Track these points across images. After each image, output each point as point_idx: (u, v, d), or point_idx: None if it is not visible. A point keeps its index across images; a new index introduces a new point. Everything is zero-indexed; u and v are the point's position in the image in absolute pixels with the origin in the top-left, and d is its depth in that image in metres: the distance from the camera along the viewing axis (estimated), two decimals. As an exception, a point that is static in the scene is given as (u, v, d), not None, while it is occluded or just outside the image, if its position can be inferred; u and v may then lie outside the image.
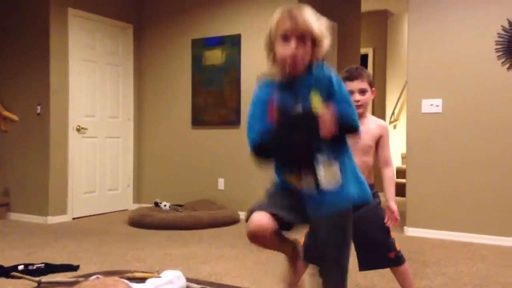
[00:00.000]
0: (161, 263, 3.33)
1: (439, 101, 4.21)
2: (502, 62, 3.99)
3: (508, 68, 3.98)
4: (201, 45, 5.46)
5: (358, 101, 2.18)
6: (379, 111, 6.91)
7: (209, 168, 5.44)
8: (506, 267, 3.27)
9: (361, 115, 2.13)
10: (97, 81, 5.48)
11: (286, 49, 1.55)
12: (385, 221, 2.21)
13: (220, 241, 4.09)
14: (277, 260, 3.27)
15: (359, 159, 2.03)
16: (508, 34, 3.97)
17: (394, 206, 2.21)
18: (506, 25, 3.98)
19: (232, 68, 5.28)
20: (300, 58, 1.56)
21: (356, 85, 2.20)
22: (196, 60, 5.50)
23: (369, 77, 2.25)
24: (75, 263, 3.22)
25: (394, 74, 7.39)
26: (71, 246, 3.85)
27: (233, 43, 5.26)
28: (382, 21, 7.30)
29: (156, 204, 5.19)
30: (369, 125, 2.23)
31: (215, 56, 5.39)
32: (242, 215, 5.01)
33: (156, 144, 5.85)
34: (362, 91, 2.21)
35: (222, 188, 5.37)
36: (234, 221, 4.88)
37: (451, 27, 4.20)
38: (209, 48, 5.41)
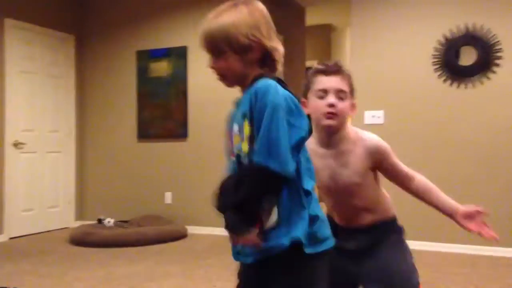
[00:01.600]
0: (103, 283, 3.19)
1: (380, 113, 4.34)
2: (438, 75, 4.17)
3: (444, 81, 4.16)
4: (146, 57, 5.36)
5: (332, 105, 1.45)
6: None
7: (155, 182, 5.32)
8: (451, 274, 3.38)
9: (335, 133, 1.49)
10: (37, 94, 5.24)
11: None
12: (483, 235, 1.48)
13: (167, 257, 3.99)
14: (225, 277, 3.23)
15: (345, 204, 1.53)
16: (444, 48, 4.16)
17: (467, 206, 1.51)
18: (443, 40, 4.17)
19: (179, 80, 5.21)
20: (226, 71, 1.29)
21: (333, 82, 1.48)
22: (142, 72, 5.39)
23: (351, 80, 1.55)
24: (11, 286, 3.03)
25: (339, 87, 7.55)
26: (7, 268, 3.63)
27: (179, 55, 5.20)
28: (326, 34, 7.49)
29: (100, 221, 5.00)
30: (352, 155, 1.51)
31: (161, 68, 5.30)
32: (190, 229, 4.93)
33: (100, 159, 5.66)
34: (340, 95, 1.48)
35: (170, 202, 5.26)
36: (182, 235, 4.78)
37: (391, 42, 4.36)
38: (155, 60, 5.32)
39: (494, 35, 3.98)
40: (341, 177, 1.49)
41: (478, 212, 1.47)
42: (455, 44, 4.11)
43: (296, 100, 1.23)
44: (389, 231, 1.59)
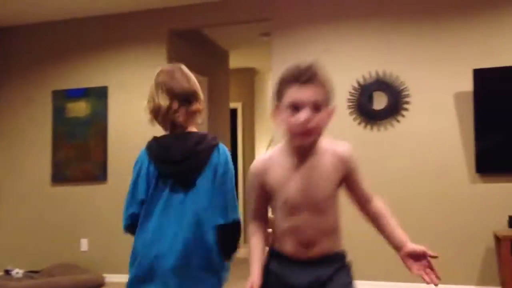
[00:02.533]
0: None
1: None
2: (353, 118, 4.39)
3: (359, 123, 4.37)
4: (63, 97, 5.16)
5: (308, 122, 1.27)
6: (249, 166, 7.09)
7: (70, 228, 5.02)
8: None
9: (310, 147, 1.35)
10: None
11: None
12: (425, 280, 1.39)
13: (81, 308, 3.73)
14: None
15: (313, 221, 1.36)
16: (358, 93, 4.40)
17: (416, 246, 1.39)
18: (356, 85, 4.41)
19: (99, 120, 5.05)
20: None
21: (307, 94, 1.28)
22: (58, 112, 5.17)
23: (328, 85, 1.36)
24: None
25: (262, 129, 7.70)
26: None
27: (99, 95, 5.07)
28: (250, 77, 7.66)
29: (7, 272, 4.61)
30: (324, 162, 1.38)
31: (79, 108, 5.12)
32: (108, 277, 4.67)
33: (8, 204, 5.26)
34: (316, 107, 1.29)
35: (86, 249, 4.97)
36: (99, 284, 4.51)
37: (309, 86, 4.53)
38: (72, 100, 5.14)
39: (402, 81, 4.28)
40: (313, 191, 1.33)
41: (425, 254, 1.35)
42: (367, 89, 4.37)
43: None
44: (342, 266, 1.45)
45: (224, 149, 1.70)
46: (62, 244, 5.01)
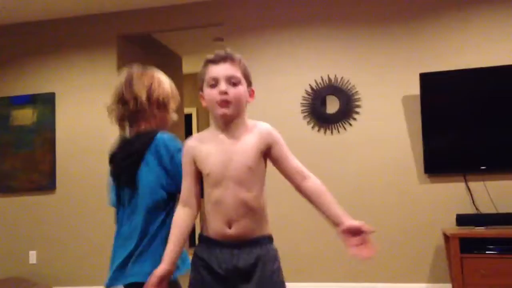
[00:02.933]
0: None
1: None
2: (307, 122, 4.44)
3: (313, 127, 4.42)
4: (7, 104, 4.94)
5: (225, 92, 1.42)
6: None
7: (18, 240, 4.80)
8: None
9: (231, 120, 1.45)
10: None
11: None
12: (355, 255, 1.37)
13: (29, 325, 3.56)
14: None
15: (232, 193, 1.41)
16: (311, 97, 4.45)
17: (354, 221, 1.42)
18: (309, 89, 4.46)
19: (46, 128, 4.86)
20: None
21: (223, 69, 1.45)
22: (2, 120, 4.94)
23: (245, 67, 1.51)
24: None
25: (217, 133, 7.65)
26: None
27: (46, 102, 4.88)
28: (204, 83, 7.61)
29: None
30: (247, 137, 1.47)
31: (24, 116, 4.91)
32: (58, 291, 4.50)
33: (-50, 217, 4.97)
34: (232, 81, 1.45)
35: (34, 262, 4.75)
36: (48, 298, 4.33)
37: (263, 90, 4.54)
38: (17, 107, 4.92)
39: (353, 86, 4.37)
40: (234, 161, 1.41)
41: (362, 229, 1.37)
42: (320, 93, 4.43)
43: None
44: (266, 252, 1.44)
45: (160, 136, 1.64)
46: (10, 257, 4.78)
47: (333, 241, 1.59)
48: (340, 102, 4.39)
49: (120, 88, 1.74)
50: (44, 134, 4.86)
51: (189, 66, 6.78)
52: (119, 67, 4.82)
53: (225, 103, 1.41)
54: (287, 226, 4.25)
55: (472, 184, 4.03)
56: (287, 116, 4.46)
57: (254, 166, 1.43)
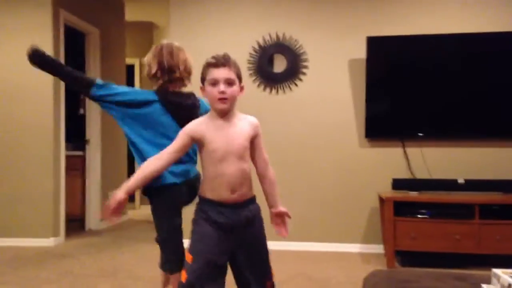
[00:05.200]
0: None
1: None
2: (253, 80, 4.35)
3: (258, 86, 4.35)
4: None
5: (223, 92, 1.80)
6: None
7: None
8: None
9: (228, 112, 1.85)
10: None
11: None
12: (277, 231, 1.93)
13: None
14: None
15: (235, 166, 1.82)
16: (258, 55, 4.34)
17: (283, 208, 1.94)
18: (256, 47, 4.35)
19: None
20: None
21: (222, 73, 1.82)
22: None
23: (238, 69, 1.89)
24: None
25: (161, 87, 7.41)
26: None
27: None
28: (148, 32, 7.28)
29: None
30: (241, 124, 1.89)
31: None
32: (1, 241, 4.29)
33: None
34: (229, 82, 1.83)
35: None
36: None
37: (209, 44, 4.38)
38: None
39: (301, 45, 4.30)
40: (235, 140, 1.82)
41: (285, 214, 1.94)
42: (267, 51, 4.33)
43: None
44: (259, 208, 1.93)
45: (201, 99, 2.36)
46: None
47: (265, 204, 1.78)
48: (287, 61, 4.32)
49: (162, 57, 2.32)
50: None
51: (132, 14, 6.44)
52: (55, 8, 4.47)
53: (223, 100, 1.80)
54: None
55: (409, 150, 4.14)
56: (233, 73, 4.33)
57: (247, 145, 1.87)
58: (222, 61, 1.83)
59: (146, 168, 1.85)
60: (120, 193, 1.78)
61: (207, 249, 1.80)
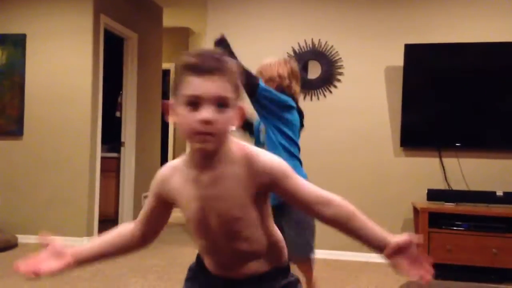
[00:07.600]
0: None
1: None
2: (287, 86, 4.34)
3: (292, 92, 4.34)
4: (-26, 42, 4.68)
5: (208, 122, 0.98)
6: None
7: (-19, 186, 4.65)
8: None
9: (213, 153, 1.04)
10: None
11: None
12: (413, 276, 1.04)
13: (-12, 272, 3.48)
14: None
15: (222, 246, 1.12)
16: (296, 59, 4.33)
17: (398, 237, 1.06)
18: (291, 53, 4.34)
19: (15, 71, 4.64)
20: None
21: (209, 87, 0.99)
22: (-32, 59, 4.69)
23: (236, 77, 1.03)
24: None
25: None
26: None
27: (16, 43, 4.64)
28: (184, 38, 7.39)
29: None
30: (234, 174, 1.06)
31: (-8, 56, 4.67)
32: (21, 238, 4.40)
33: None
34: (221, 103, 1.00)
35: (-3, 208, 4.63)
36: (11, 245, 4.24)
37: (244, 50, 4.39)
38: (-16, 46, 4.67)
39: (337, 52, 4.27)
40: (219, 210, 1.06)
41: (410, 243, 1.04)
42: (303, 57, 4.32)
43: None
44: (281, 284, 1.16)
45: None
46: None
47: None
48: (322, 68, 4.30)
49: (284, 70, 2.70)
50: (13, 78, 4.64)
51: (170, 19, 6.54)
52: (96, 12, 4.59)
53: (206, 137, 0.99)
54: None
55: (446, 160, 4.04)
56: (267, 78, 4.34)
57: (243, 216, 1.08)
58: (210, 66, 0.99)
59: (117, 241, 1.21)
60: (67, 258, 1.14)
61: None
